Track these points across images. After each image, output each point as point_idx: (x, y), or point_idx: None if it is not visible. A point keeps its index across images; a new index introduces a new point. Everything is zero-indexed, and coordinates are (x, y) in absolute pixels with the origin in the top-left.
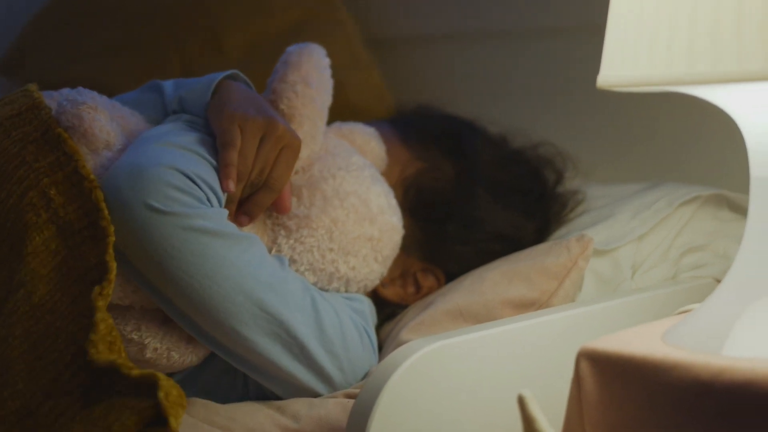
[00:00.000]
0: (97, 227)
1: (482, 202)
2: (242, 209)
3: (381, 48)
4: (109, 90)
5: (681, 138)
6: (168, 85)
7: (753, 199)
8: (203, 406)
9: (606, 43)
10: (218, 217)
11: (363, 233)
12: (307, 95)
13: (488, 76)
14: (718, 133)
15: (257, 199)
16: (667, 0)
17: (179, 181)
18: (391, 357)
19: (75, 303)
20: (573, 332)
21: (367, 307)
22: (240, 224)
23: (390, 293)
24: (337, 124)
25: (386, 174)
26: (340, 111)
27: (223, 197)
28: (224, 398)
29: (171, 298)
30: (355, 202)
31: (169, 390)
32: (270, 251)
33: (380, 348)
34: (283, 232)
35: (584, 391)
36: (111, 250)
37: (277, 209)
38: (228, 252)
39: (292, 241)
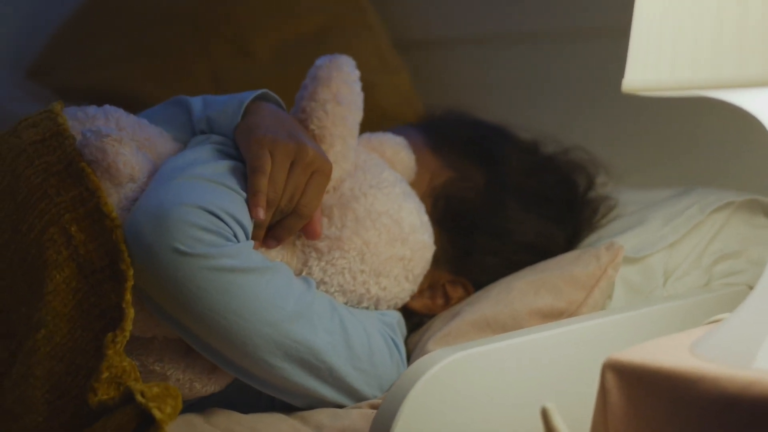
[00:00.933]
0: (116, 269)
1: (512, 212)
2: (271, 234)
3: (410, 51)
4: (136, 96)
5: (713, 142)
6: (196, 102)
7: None
8: (225, 415)
9: (630, 47)
10: (244, 252)
11: (395, 254)
12: (338, 114)
13: (518, 79)
14: (752, 137)
15: (287, 224)
16: (692, 3)
17: (204, 220)
18: (413, 367)
19: (96, 339)
20: (599, 342)
21: (396, 320)
22: (268, 247)
23: (418, 305)
24: (366, 136)
25: (416, 182)
26: (369, 115)
27: (251, 224)
28: (248, 410)
29: (196, 334)
30: (387, 222)
31: (144, 389)
32: (300, 273)
33: (408, 358)
34: (314, 254)
35: (609, 403)
36: (129, 296)
37: (307, 235)
38: (254, 286)
39: (323, 263)
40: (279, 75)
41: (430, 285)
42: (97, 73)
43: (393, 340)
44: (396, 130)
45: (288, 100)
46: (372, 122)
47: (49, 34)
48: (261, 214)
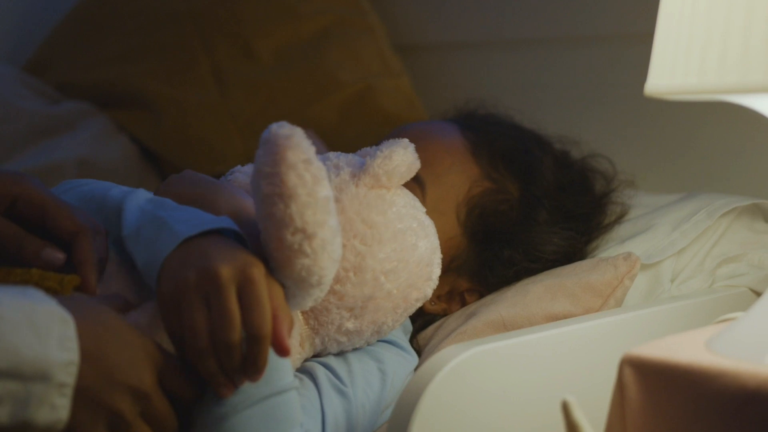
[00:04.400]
0: None
1: (542, 228)
2: (244, 375)
3: (411, 54)
4: (137, 95)
5: (717, 147)
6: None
7: None
8: None
9: (654, 50)
10: None
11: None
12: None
13: (517, 83)
14: (755, 141)
15: (251, 356)
16: (719, 6)
17: None
18: (429, 363)
19: None
20: (611, 338)
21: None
22: (224, 396)
23: (436, 309)
24: (364, 151)
25: (455, 189)
26: (371, 117)
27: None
28: None
29: None
30: (400, 267)
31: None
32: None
33: (419, 353)
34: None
35: (627, 398)
36: None
37: (277, 351)
38: None
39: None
40: (281, 76)
41: (449, 291)
42: (99, 71)
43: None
44: (437, 124)
45: (290, 100)
46: (373, 125)
47: (49, 29)
48: (225, 392)
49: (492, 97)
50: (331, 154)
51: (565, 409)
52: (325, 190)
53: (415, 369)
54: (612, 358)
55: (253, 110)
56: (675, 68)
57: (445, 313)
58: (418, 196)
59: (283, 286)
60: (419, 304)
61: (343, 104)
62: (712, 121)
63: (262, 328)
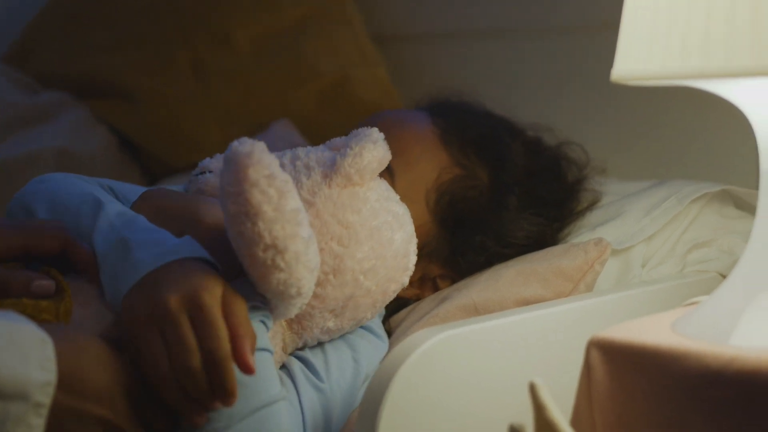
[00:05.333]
0: None
1: (512, 215)
2: (218, 400)
3: (388, 45)
4: (117, 85)
5: (686, 134)
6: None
7: (762, 192)
8: None
9: (620, 37)
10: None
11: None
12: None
13: (494, 73)
14: (724, 128)
15: (216, 381)
16: None
17: None
18: (399, 348)
19: None
20: (581, 323)
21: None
22: (196, 424)
23: (409, 294)
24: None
25: (424, 176)
26: (348, 106)
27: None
28: None
29: None
30: (378, 265)
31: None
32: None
33: (390, 335)
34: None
35: (594, 380)
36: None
37: (241, 368)
38: None
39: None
40: (259, 66)
41: (421, 277)
42: (78, 61)
43: (358, 370)
44: (407, 112)
45: (268, 90)
46: (350, 114)
47: (28, 20)
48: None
49: (468, 86)
50: (301, 152)
51: (532, 390)
52: (293, 203)
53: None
54: (583, 342)
55: (231, 100)
56: (639, 54)
57: (418, 298)
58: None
59: (265, 298)
60: (396, 294)
61: (321, 93)
62: (683, 108)
63: (218, 351)
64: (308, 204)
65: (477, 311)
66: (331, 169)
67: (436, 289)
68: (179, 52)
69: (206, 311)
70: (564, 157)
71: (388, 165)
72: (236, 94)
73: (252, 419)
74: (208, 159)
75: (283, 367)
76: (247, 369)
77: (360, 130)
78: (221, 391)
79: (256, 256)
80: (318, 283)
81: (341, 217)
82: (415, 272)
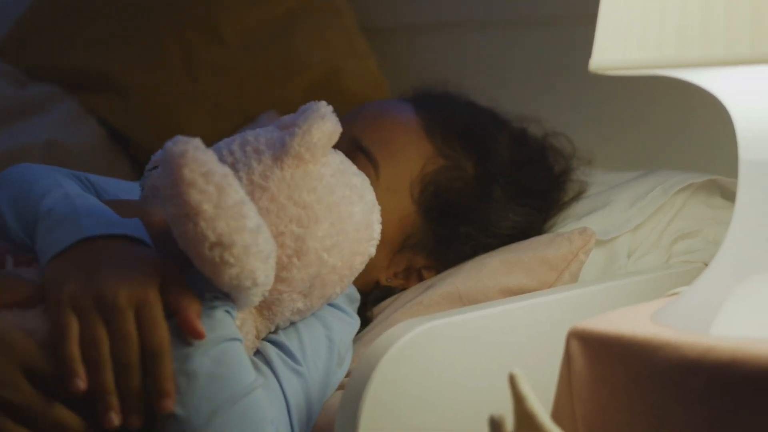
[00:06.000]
0: None
1: (498, 205)
2: (154, 398)
3: (378, 36)
4: (107, 79)
5: (671, 124)
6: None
7: (741, 182)
8: None
9: (598, 27)
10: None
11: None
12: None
13: (482, 64)
14: (710, 118)
15: (152, 374)
16: None
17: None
18: (381, 339)
19: None
20: (564, 314)
21: (346, 294)
22: (109, 424)
23: (394, 284)
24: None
25: (408, 167)
26: (338, 98)
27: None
28: None
29: None
30: (340, 240)
31: None
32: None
33: (368, 322)
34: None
35: (574, 371)
36: None
37: (192, 336)
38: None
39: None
40: (249, 59)
41: (406, 268)
42: (68, 55)
43: (336, 350)
44: (391, 103)
45: (258, 82)
46: (339, 105)
47: (19, 14)
48: (80, 384)
49: (457, 77)
50: (250, 136)
51: (512, 381)
52: (235, 196)
53: (365, 341)
54: (565, 333)
55: (221, 93)
56: (617, 44)
57: (403, 288)
58: (371, 175)
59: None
60: (364, 266)
61: (310, 85)
62: (669, 99)
63: (159, 345)
64: (262, 189)
65: (461, 299)
66: (281, 151)
67: (421, 279)
68: (169, 45)
69: (152, 308)
70: (550, 147)
71: (372, 155)
72: (226, 86)
73: (232, 412)
74: (160, 151)
75: (258, 353)
76: (196, 334)
77: (308, 104)
78: (158, 387)
79: (203, 256)
80: (282, 267)
81: (297, 198)
82: (400, 263)
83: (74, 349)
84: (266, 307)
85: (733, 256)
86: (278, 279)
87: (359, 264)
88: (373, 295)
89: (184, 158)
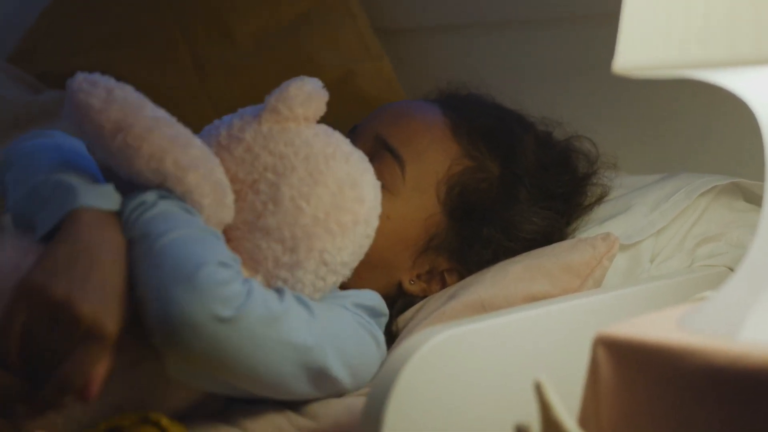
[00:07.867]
0: None
1: (522, 208)
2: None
3: (392, 38)
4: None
5: (696, 127)
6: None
7: None
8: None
9: (621, 27)
10: (265, 293)
11: (356, 230)
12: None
13: (499, 66)
14: (734, 121)
15: (44, 394)
16: None
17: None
18: (404, 347)
19: None
20: (588, 320)
21: (375, 302)
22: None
23: (415, 289)
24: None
25: (435, 168)
26: (351, 101)
27: None
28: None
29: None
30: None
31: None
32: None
33: (397, 335)
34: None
35: (600, 378)
36: None
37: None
38: (282, 333)
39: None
40: (261, 61)
41: (429, 271)
42: (79, 58)
43: (369, 325)
44: (417, 103)
45: (269, 84)
46: (354, 108)
47: (32, 20)
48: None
49: (473, 79)
50: (240, 110)
51: (538, 389)
52: (130, 93)
53: (392, 351)
54: (590, 339)
55: (232, 95)
56: (640, 45)
57: (425, 294)
58: (396, 174)
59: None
60: (363, 231)
61: (324, 88)
62: (693, 101)
63: (72, 382)
64: (238, 140)
65: (484, 308)
66: (260, 110)
67: (443, 284)
68: (179, 47)
69: (98, 347)
70: (574, 150)
71: (398, 154)
72: (237, 88)
73: (277, 322)
74: None
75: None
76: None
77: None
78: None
79: (109, 148)
80: (258, 215)
81: (273, 148)
82: (423, 265)
83: (15, 342)
84: (248, 257)
85: (761, 260)
86: (255, 227)
87: (351, 223)
88: (396, 308)
89: (77, 82)
